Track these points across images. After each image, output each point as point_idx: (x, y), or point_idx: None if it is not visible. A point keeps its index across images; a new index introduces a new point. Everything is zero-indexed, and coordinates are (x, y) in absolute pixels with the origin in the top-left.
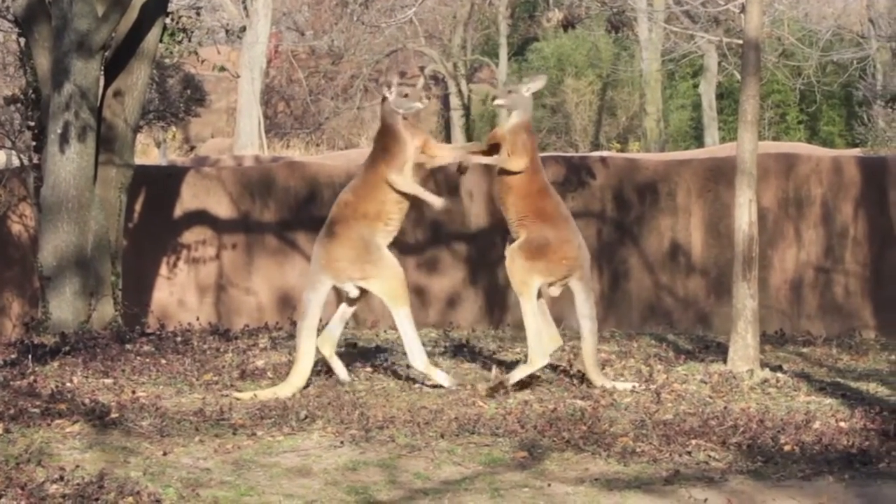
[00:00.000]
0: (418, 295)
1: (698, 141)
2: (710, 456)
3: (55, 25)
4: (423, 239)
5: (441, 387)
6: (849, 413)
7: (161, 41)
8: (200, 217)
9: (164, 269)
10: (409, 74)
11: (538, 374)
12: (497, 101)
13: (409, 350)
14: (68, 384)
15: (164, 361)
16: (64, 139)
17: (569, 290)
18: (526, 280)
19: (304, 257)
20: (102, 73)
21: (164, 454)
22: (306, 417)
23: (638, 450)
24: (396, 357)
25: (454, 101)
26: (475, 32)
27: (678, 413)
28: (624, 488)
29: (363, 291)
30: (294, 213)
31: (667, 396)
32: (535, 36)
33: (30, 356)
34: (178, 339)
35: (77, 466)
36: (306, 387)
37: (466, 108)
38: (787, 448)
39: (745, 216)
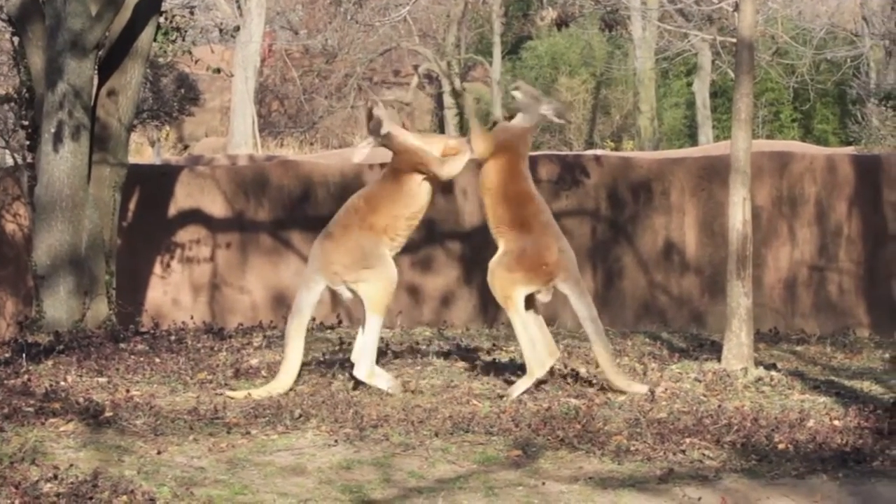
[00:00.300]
0: (412, 294)
1: (692, 139)
2: (704, 454)
3: (49, 24)
4: (417, 237)
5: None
6: (843, 411)
7: (155, 40)
8: (194, 216)
9: (158, 268)
10: (402, 73)
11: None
12: (515, 92)
13: (362, 356)
14: (62, 383)
15: (158, 360)
16: (58, 138)
17: (562, 294)
18: (508, 293)
19: (298, 256)
20: (96, 72)
21: (159, 453)
22: (300, 416)
23: (632, 448)
24: (389, 356)
25: (448, 100)
26: (469, 31)
27: (672, 411)
28: (618, 487)
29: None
30: (288, 212)
31: (661, 395)
32: (528, 34)
33: (24, 355)
34: (173, 337)
35: (71, 465)
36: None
37: (460, 107)
38: (781, 446)
39: (739, 215)
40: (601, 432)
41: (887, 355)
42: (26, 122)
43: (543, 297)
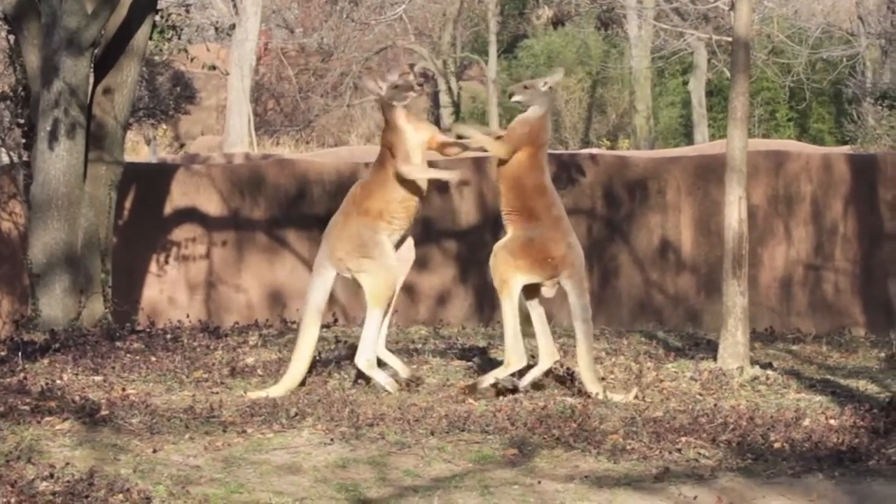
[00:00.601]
0: (409, 292)
1: (688, 138)
2: (699, 453)
3: (45, 23)
4: (413, 236)
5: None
6: (839, 410)
7: (150, 38)
8: (190, 214)
9: (154, 267)
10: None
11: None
12: (514, 98)
13: (361, 347)
14: (58, 381)
15: (154, 359)
16: (53, 136)
17: (562, 292)
18: (506, 278)
19: (294, 255)
20: (92, 70)
21: (154, 451)
22: (296, 415)
23: (628, 447)
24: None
25: (444, 99)
26: (465, 30)
27: (668, 410)
28: (614, 486)
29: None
30: (284, 210)
31: (657, 394)
32: (524, 33)
33: (20, 353)
34: (168, 336)
35: (67, 464)
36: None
37: (456, 106)
38: (776, 445)
39: (734, 213)
40: (597, 431)
41: (883, 354)
42: (22, 121)
43: (547, 292)
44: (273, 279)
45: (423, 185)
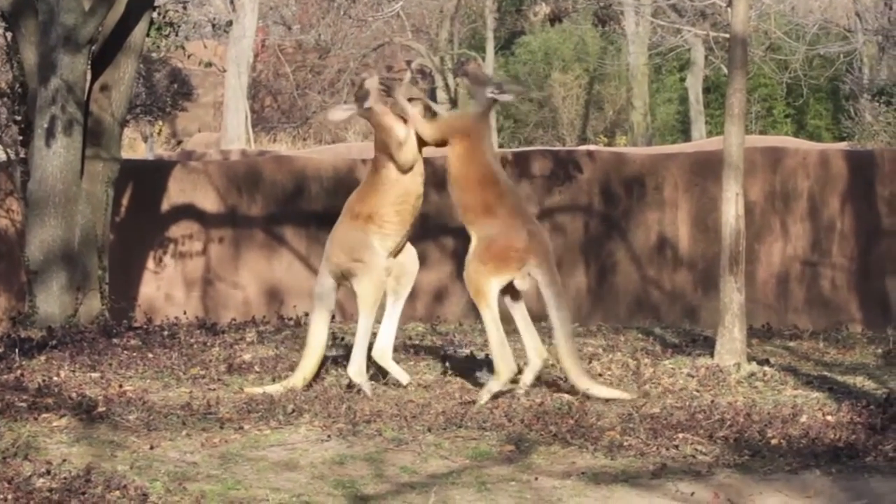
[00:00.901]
0: None
1: (685, 135)
2: (697, 450)
3: (42, 20)
4: (411, 235)
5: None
6: (836, 407)
7: (148, 35)
8: (187, 211)
9: (151, 264)
10: (396, 68)
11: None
12: (463, 79)
13: (354, 351)
14: (55, 378)
15: (151, 355)
16: (50, 133)
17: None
18: (480, 287)
19: (291, 251)
20: (89, 67)
21: (151, 448)
22: (293, 411)
23: (625, 444)
24: None
25: (441, 96)
26: (462, 26)
27: (665, 407)
28: (611, 482)
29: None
30: (281, 207)
31: (654, 390)
32: (522, 30)
33: (16, 350)
34: (165, 333)
35: (64, 460)
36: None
37: (453, 102)
38: (774, 442)
39: (732, 210)
40: (594, 428)
41: (880, 351)
42: (19, 118)
43: (521, 285)
44: (270, 276)
45: (416, 183)
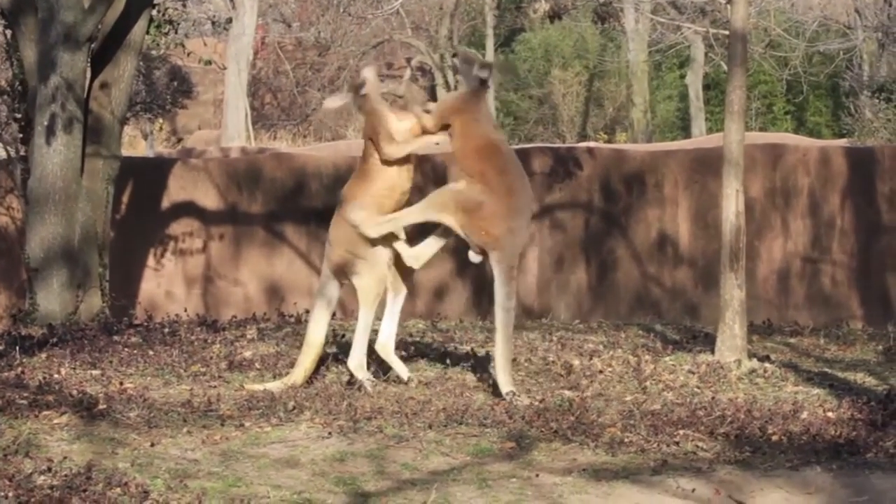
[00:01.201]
0: None
1: (685, 132)
2: (697, 446)
3: (41, 17)
4: (410, 230)
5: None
6: (836, 403)
7: (147, 33)
8: (188, 208)
9: (151, 261)
10: (395, 66)
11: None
12: (454, 59)
13: (354, 346)
14: (56, 376)
15: (151, 353)
16: (51, 131)
17: (558, 288)
18: (442, 211)
19: (291, 248)
20: (89, 64)
21: (152, 445)
22: (294, 408)
23: (626, 440)
24: None
25: (441, 93)
26: (462, 23)
27: (666, 403)
28: (612, 478)
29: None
30: (281, 204)
31: (654, 387)
32: (521, 27)
33: (17, 348)
34: (166, 330)
35: (65, 458)
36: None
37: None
38: (774, 438)
39: (732, 207)
40: (595, 424)
41: (881, 347)
42: (19, 115)
43: (473, 257)
44: (271, 273)
45: (402, 178)
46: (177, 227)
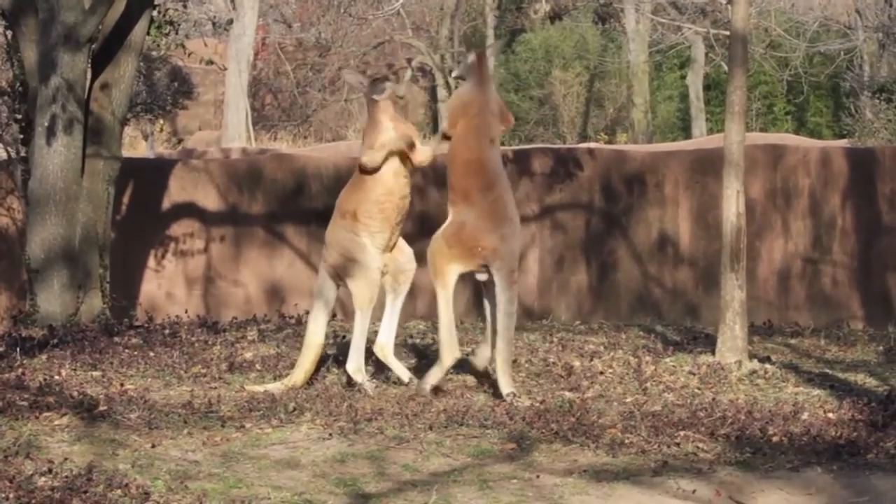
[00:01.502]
0: None
1: (686, 132)
2: (698, 447)
3: (42, 18)
4: (410, 231)
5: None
6: (837, 404)
7: (148, 34)
8: (188, 209)
9: (152, 262)
10: (396, 66)
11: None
12: (454, 74)
13: (351, 350)
14: (56, 377)
15: (152, 354)
16: (51, 132)
17: (558, 287)
18: (441, 268)
19: (292, 250)
20: (89, 65)
21: (153, 447)
22: (295, 410)
23: (626, 441)
24: None
25: (441, 94)
26: (462, 24)
27: (666, 404)
28: (612, 480)
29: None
30: (282, 205)
31: (655, 388)
32: (522, 28)
33: (18, 349)
34: (167, 331)
35: (65, 459)
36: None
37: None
38: (775, 439)
39: (732, 207)
40: (595, 425)
41: (881, 348)
42: (20, 116)
43: (480, 277)
44: (271, 274)
45: (399, 184)
46: (177, 228)
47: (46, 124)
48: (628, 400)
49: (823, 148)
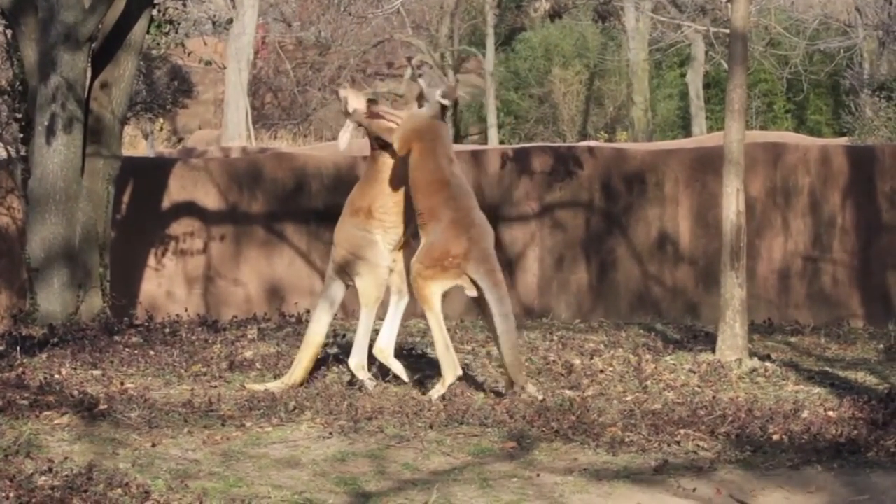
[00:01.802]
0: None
1: (686, 130)
2: (698, 446)
3: (42, 17)
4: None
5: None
6: (837, 402)
7: (148, 32)
8: (188, 208)
9: (152, 261)
10: (396, 65)
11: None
12: (420, 79)
13: (355, 346)
14: (57, 376)
15: (152, 353)
16: (51, 131)
17: (556, 287)
18: (423, 291)
19: (292, 248)
20: (89, 64)
21: (153, 446)
22: (295, 408)
23: (626, 440)
24: None
25: None
26: (462, 23)
27: (667, 403)
28: (612, 478)
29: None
30: (282, 204)
31: (655, 386)
32: (522, 26)
33: (18, 348)
34: (167, 330)
35: (66, 458)
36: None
37: (455, 101)
38: (775, 437)
39: (732, 206)
40: (596, 424)
41: (881, 346)
42: (20, 115)
43: (469, 292)
44: (271, 273)
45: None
46: (177, 227)
47: (46, 123)
48: (628, 398)
49: (823, 146)
